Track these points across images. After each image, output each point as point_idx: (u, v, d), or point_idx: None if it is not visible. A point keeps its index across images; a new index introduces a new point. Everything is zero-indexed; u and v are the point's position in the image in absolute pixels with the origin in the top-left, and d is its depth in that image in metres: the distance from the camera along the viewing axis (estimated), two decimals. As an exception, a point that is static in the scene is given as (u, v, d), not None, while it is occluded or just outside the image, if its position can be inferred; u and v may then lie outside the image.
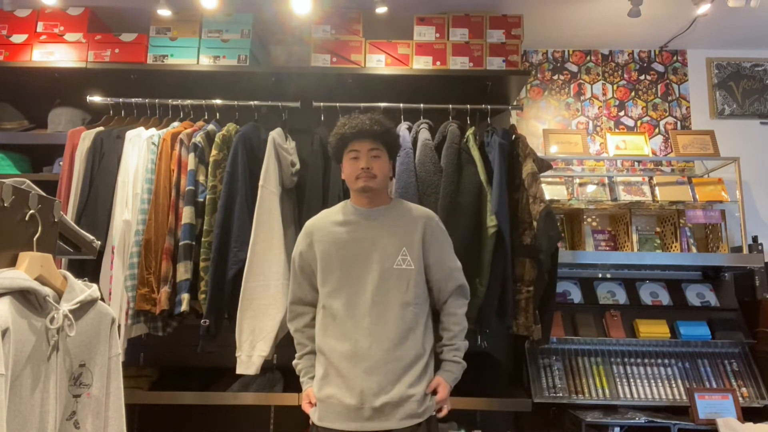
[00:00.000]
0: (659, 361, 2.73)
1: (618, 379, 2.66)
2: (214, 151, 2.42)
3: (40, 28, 2.81)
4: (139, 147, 2.44)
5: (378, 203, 1.94)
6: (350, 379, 1.76)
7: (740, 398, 2.56)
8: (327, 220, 1.96)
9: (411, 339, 1.81)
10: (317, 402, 1.82)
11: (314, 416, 1.81)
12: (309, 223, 1.99)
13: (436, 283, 1.93)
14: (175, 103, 2.70)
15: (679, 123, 3.35)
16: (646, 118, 3.36)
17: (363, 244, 1.88)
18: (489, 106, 2.65)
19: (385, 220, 1.92)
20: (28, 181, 1.27)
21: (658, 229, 3.08)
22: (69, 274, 1.26)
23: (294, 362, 1.97)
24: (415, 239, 1.89)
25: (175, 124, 2.62)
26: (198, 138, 2.44)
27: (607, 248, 3.00)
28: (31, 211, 1.23)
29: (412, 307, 1.83)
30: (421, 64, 2.77)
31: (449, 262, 1.96)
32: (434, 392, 1.82)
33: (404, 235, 1.89)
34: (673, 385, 2.64)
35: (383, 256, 1.85)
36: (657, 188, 2.93)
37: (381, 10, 2.71)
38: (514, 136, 2.55)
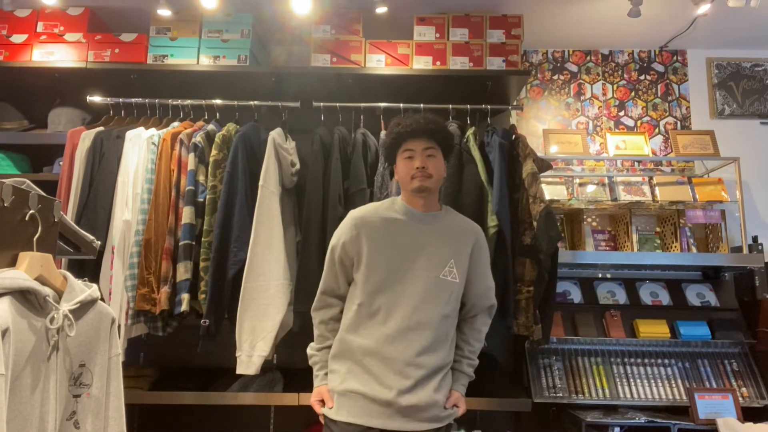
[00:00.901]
0: (659, 361, 2.73)
1: (618, 379, 2.66)
2: (214, 151, 2.42)
3: (40, 28, 2.81)
4: (139, 147, 2.44)
5: (431, 208, 1.89)
6: (379, 377, 1.72)
7: (740, 398, 2.55)
8: (377, 215, 1.87)
9: (441, 349, 1.79)
10: (336, 396, 1.76)
11: (330, 411, 1.76)
12: (357, 214, 1.88)
13: (471, 298, 1.90)
14: (175, 103, 2.70)
15: (679, 123, 3.35)
16: (646, 118, 3.36)
17: (412, 247, 1.82)
18: (489, 106, 2.65)
19: (437, 227, 1.87)
20: (28, 181, 1.27)
21: (658, 229, 3.08)
22: (69, 274, 1.26)
23: (310, 352, 1.89)
24: (464, 253, 1.86)
25: (175, 124, 2.62)
26: (198, 138, 2.44)
27: (607, 248, 3.00)
28: (31, 211, 1.23)
29: (449, 319, 1.82)
30: (421, 64, 2.77)
31: (488, 281, 1.94)
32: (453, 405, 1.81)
33: (454, 247, 1.85)
34: (673, 385, 2.64)
35: (431, 264, 1.81)
36: (657, 188, 2.93)
37: (381, 10, 2.70)
38: (514, 136, 2.55)
